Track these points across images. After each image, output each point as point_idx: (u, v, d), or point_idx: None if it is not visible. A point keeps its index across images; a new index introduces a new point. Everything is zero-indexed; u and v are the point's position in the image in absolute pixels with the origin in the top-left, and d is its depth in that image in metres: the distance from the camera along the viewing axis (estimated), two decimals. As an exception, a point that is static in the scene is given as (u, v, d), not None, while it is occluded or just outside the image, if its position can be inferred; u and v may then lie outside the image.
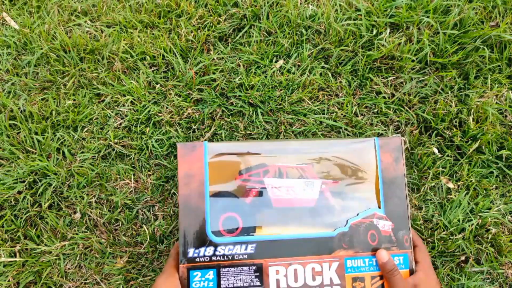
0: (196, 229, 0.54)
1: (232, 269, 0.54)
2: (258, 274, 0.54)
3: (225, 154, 0.57)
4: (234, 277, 0.54)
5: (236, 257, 0.54)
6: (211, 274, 0.54)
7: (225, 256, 0.54)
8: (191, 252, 0.54)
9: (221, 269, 0.54)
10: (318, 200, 0.58)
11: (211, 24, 0.87)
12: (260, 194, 0.57)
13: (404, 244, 0.58)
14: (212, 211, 0.55)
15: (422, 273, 0.58)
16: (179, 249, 0.55)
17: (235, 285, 0.53)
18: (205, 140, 0.81)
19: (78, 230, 0.77)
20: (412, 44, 0.84)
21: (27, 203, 0.78)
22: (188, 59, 0.86)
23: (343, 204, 0.58)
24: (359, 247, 0.57)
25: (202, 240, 0.54)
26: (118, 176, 0.80)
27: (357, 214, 0.58)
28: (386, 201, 0.59)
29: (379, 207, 0.59)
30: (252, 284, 0.54)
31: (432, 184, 0.80)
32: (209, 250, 0.54)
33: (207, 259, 0.54)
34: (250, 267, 0.54)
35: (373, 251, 0.57)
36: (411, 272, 0.58)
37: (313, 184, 0.58)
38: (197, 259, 0.54)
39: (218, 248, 0.54)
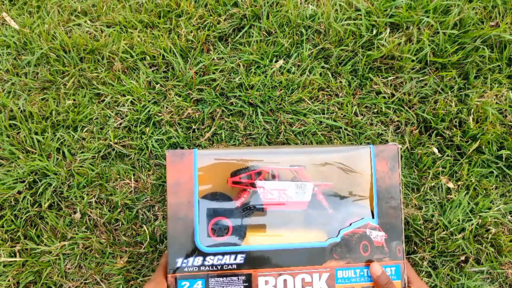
0: (184, 239, 0.54)
1: (221, 279, 0.53)
2: (247, 284, 0.54)
3: (216, 159, 0.57)
4: (223, 287, 0.53)
5: (225, 267, 0.54)
6: (199, 284, 0.53)
7: (214, 266, 0.54)
8: (179, 262, 0.53)
9: (210, 279, 0.53)
10: (310, 203, 0.57)
11: (211, 24, 0.87)
12: (251, 197, 0.56)
13: (397, 255, 0.57)
14: (201, 216, 0.55)
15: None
16: (168, 258, 0.54)
17: None
18: (204, 139, 0.81)
19: (78, 230, 0.77)
20: (412, 44, 0.84)
21: (27, 203, 0.77)
22: (188, 59, 0.86)
23: (336, 210, 0.57)
24: (351, 258, 0.56)
25: (190, 249, 0.54)
26: (118, 176, 0.80)
27: (350, 224, 0.57)
28: (380, 211, 0.58)
29: (373, 217, 0.58)
30: None
31: (432, 184, 0.80)
32: (198, 260, 0.53)
33: (195, 269, 0.53)
34: (239, 277, 0.53)
35: (365, 262, 0.57)
36: (403, 283, 0.57)
37: (305, 187, 0.57)
38: (186, 269, 0.53)
39: (207, 258, 0.54)
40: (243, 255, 0.54)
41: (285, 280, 0.54)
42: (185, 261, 0.53)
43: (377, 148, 0.58)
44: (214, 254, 0.54)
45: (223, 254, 0.54)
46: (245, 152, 0.57)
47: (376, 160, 0.58)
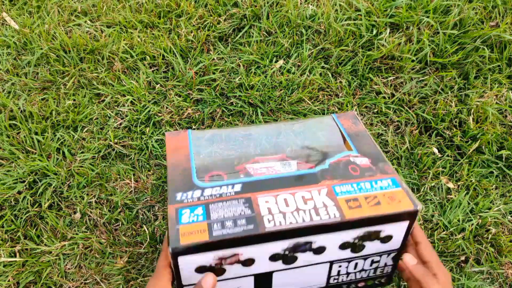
0: (183, 180, 0.57)
1: (221, 203, 0.55)
2: (248, 204, 0.54)
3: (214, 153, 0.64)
4: (224, 209, 0.54)
5: (224, 195, 0.55)
6: (200, 210, 0.54)
7: (213, 196, 0.55)
8: (178, 196, 0.55)
9: (210, 205, 0.54)
10: (297, 171, 0.61)
11: (211, 24, 0.87)
12: (243, 175, 0.61)
13: (388, 171, 0.58)
14: (198, 171, 0.59)
15: (442, 276, 0.53)
16: (168, 195, 0.56)
17: (225, 215, 0.53)
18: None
19: (78, 230, 0.77)
20: (412, 44, 0.84)
21: (27, 203, 0.77)
22: (188, 59, 0.86)
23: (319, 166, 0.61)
24: (343, 177, 0.57)
25: (189, 186, 0.57)
26: (118, 176, 0.80)
27: (334, 156, 0.61)
28: (357, 148, 0.62)
29: (352, 151, 0.62)
30: (243, 213, 0.53)
31: (432, 184, 0.79)
32: (197, 193, 0.56)
33: (195, 199, 0.55)
34: (239, 200, 0.55)
35: (356, 178, 0.57)
36: (405, 191, 0.55)
37: (289, 163, 0.62)
38: (185, 201, 0.55)
39: (205, 190, 0.56)
40: (240, 185, 0.56)
41: (285, 199, 0.55)
42: (185, 194, 0.55)
43: (338, 115, 0.69)
44: (212, 187, 0.57)
45: (220, 186, 0.57)
46: (233, 137, 0.66)
47: (340, 120, 0.67)
